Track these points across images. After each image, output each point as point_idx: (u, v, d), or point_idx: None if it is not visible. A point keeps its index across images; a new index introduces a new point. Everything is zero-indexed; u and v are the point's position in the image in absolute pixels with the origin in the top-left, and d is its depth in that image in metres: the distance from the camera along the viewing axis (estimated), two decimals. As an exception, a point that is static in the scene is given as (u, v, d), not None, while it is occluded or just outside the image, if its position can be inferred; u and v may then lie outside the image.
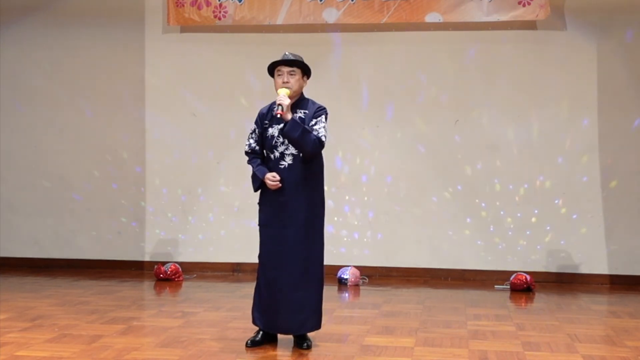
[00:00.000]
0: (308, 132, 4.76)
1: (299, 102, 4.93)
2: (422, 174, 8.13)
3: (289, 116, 4.74)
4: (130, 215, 8.54)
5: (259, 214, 5.00)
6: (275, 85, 4.91)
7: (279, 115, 4.72)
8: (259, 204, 5.01)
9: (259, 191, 5.02)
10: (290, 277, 4.82)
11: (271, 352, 4.84)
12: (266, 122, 4.94)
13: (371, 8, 7.91)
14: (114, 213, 8.55)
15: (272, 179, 4.81)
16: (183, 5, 8.20)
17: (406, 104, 8.15)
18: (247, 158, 5.06)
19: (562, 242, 7.91)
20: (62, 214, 8.62)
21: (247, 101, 8.20)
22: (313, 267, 4.88)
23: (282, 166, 4.85)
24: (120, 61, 8.52)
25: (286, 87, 4.82)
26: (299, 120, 4.81)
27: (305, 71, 4.94)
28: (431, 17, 7.84)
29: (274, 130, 4.89)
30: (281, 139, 4.85)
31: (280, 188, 4.83)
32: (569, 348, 5.01)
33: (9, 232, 8.70)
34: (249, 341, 4.98)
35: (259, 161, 4.96)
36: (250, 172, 5.02)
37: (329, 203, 8.01)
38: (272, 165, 4.88)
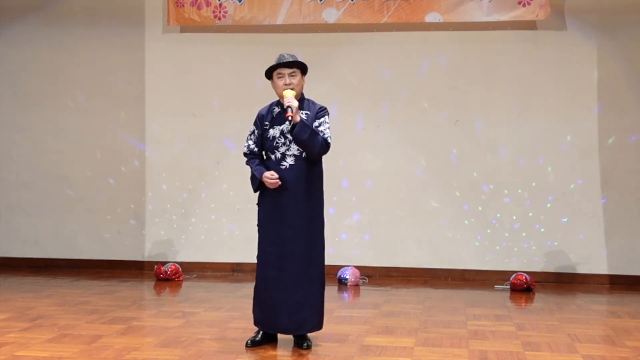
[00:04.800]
0: (316, 133, 4.78)
1: (300, 102, 4.91)
2: (422, 174, 8.13)
3: (298, 118, 4.74)
4: (130, 215, 8.54)
5: (258, 214, 4.99)
6: (275, 88, 4.91)
7: (290, 118, 4.70)
8: (258, 204, 5.00)
9: (258, 191, 5.02)
10: (290, 277, 4.82)
11: (271, 352, 4.84)
12: (266, 123, 4.94)
13: (371, 8, 7.91)
14: (114, 213, 8.55)
15: (270, 177, 4.79)
16: (183, 5, 8.21)
17: (406, 104, 8.15)
18: (245, 160, 5.05)
19: (562, 243, 7.90)
20: (62, 214, 8.62)
21: (247, 101, 8.18)
22: (313, 267, 4.88)
23: (284, 167, 4.84)
24: (120, 61, 8.52)
25: (290, 89, 4.81)
26: (305, 121, 4.80)
27: (304, 70, 4.94)
28: (431, 17, 7.84)
29: (275, 131, 4.89)
30: (282, 140, 4.85)
31: (280, 188, 4.81)
32: (569, 348, 5.01)
33: (9, 232, 8.70)
34: (249, 341, 4.98)
35: (257, 161, 4.96)
36: (249, 173, 5.02)
37: (328, 203, 8.03)
38: (273, 165, 4.87)
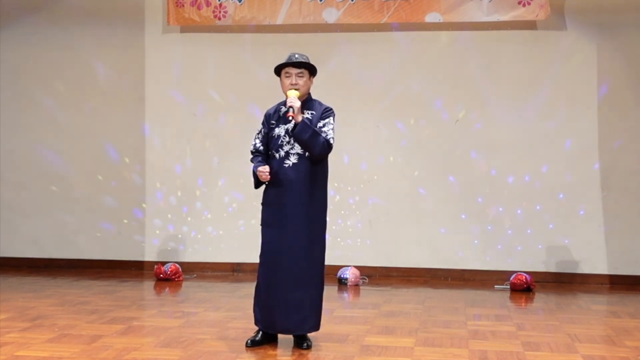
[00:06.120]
0: (317, 134, 4.80)
1: (306, 102, 4.94)
2: (422, 174, 8.13)
3: (299, 118, 4.78)
4: (130, 216, 8.54)
5: (262, 214, 4.99)
6: (282, 86, 4.93)
7: (291, 118, 4.74)
8: (262, 203, 5.01)
9: (261, 191, 5.02)
10: (289, 276, 4.82)
11: (271, 352, 4.84)
12: (273, 122, 4.97)
13: (371, 8, 7.91)
14: (114, 213, 8.55)
15: (262, 170, 4.82)
16: (183, 5, 8.21)
17: (406, 104, 8.15)
18: (250, 157, 5.08)
19: (562, 242, 7.91)
20: (62, 214, 8.62)
21: (247, 101, 8.20)
22: (313, 267, 4.88)
23: (287, 165, 4.86)
24: (120, 61, 8.52)
25: (295, 89, 4.84)
26: (308, 122, 4.83)
27: (312, 72, 4.97)
28: (431, 17, 7.84)
29: (280, 130, 4.91)
30: (287, 138, 4.88)
31: (282, 186, 4.84)
32: (569, 348, 5.01)
33: (9, 232, 8.70)
34: (249, 341, 4.98)
35: (259, 158, 4.98)
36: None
37: (328, 203, 8.01)
38: (277, 164, 4.88)
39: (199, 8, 8.18)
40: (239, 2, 8.11)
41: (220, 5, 8.15)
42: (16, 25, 8.64)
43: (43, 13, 8.61)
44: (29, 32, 8.62)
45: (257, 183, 4.96)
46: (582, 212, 7.87)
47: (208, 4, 8.17)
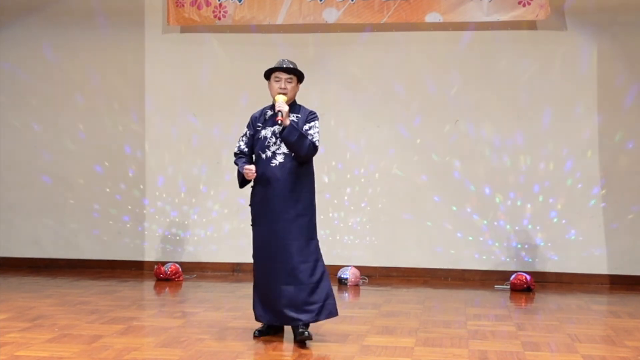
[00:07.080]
0: (304, 136, 5.03)
1: (292, 106, 5.17)
2: (422, 174, 8.13)
3: (287, 121, 5.00)
4: (130, 215, 8.54)
5: (251, 214, 5.19)
6: (270, 89, 5.16)
7: (280, 121, 4.96)
8: (250, 204, 5.19)
9: (242, 187, 5.22)
10: (282, 271, 4.97)
11: (271, 352, 4.84)
12: (259, 124, 5.19)
13: (371, 8, 7.91)
14: (114, 213, 8.55)
15: (248, 167, 5.02)
16: (183, 5, 8.21)
17: (406, 104, 8.15)
18: (234, 159, 5.28)
19: (562, 243, 7.90)
20: (62, 214, 8.62)
21: (247, 101, 8.19)
22: (305, 261, 5.00)
23: (274, 164, 5.05)
24: (120, 61, 8.52)
25: (283, 94, 5.06)
26: (295, 125, 5.04)
27: (300, 78, 5.19)
28: (431, 17, 7.84)
29: (266, 132, 5.13)
30: (273, 139, 5.08)
31: (269, 184, 5.02)
32: (569, 348, 5.01)
33: (9, 232, 8.70)
34: (256, 331, 5.19)
35: (244, 159, 5.19)
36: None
37: (328, 204, 8.02)
38: (263, 164, 5.07)
39: (199, 8, 8.18)
40: (239, 2, 8.11)
41: (220, 5, 8.15)
42: (16, 25, 8.64)
43: (43, 13, 8.61)
44: (29, 31, 8.62)
45: (242, 183, 5.17)
46: (582, 212, 7.86)
47: (208, 4, 8.17)
